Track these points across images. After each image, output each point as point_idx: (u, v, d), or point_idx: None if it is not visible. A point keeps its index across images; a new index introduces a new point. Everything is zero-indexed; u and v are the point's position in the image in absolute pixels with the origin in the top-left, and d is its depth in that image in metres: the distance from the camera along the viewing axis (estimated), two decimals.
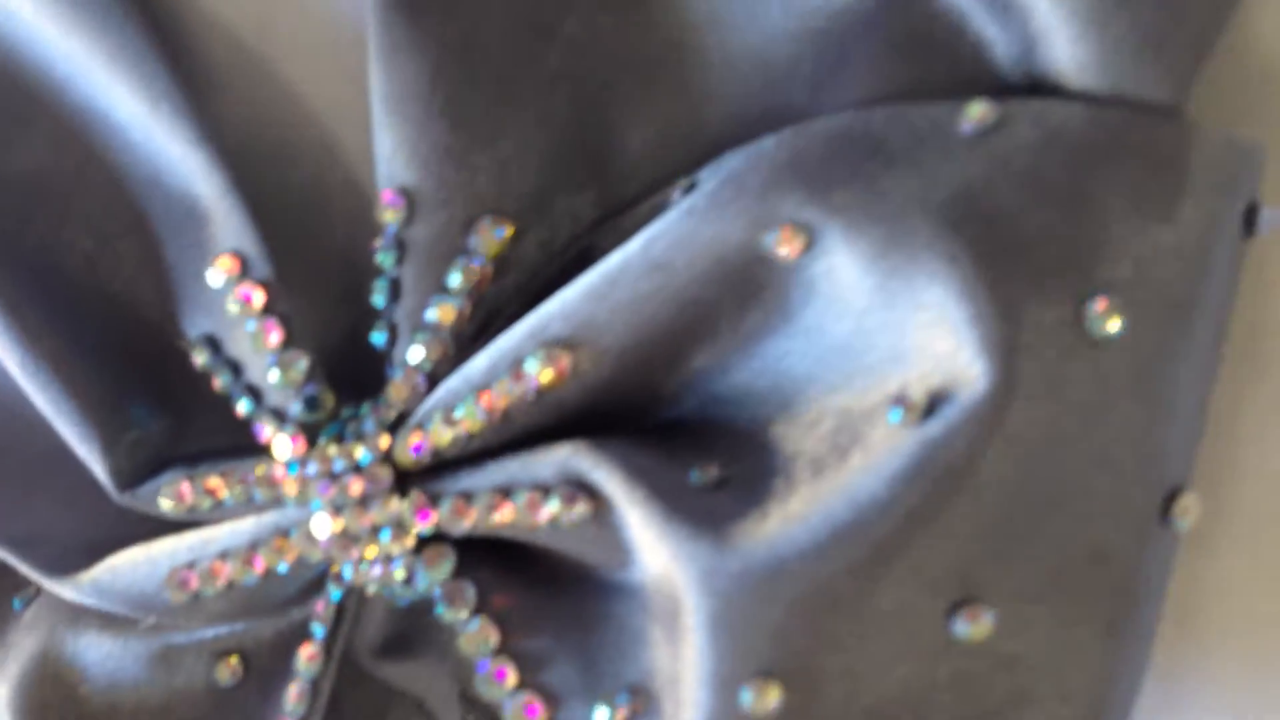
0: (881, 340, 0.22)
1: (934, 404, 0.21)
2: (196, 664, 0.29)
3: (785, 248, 0.22)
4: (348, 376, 0.28)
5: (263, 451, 0.27)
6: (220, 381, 0.28)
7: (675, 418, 0.25)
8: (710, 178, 0.24)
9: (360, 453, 0.26)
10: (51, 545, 0.30)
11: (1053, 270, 0.21)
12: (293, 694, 0.27)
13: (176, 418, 0.29)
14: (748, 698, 0.22)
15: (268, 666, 0.29)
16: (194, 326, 0.28)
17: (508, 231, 0.25)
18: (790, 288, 0.23)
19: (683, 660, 0.23)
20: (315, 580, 0.28)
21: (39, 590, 0.31)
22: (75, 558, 0.29)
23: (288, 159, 0.29)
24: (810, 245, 0.22)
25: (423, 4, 0.25)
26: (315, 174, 0.29)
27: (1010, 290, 0.21)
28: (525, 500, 0.24)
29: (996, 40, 0.23)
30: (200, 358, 0.28)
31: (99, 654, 0.29)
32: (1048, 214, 0.21)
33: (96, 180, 0.29)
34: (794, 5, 0.25)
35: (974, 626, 0.21)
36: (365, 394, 0.27)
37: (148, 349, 0.29)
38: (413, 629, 0.29)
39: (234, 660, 0.29)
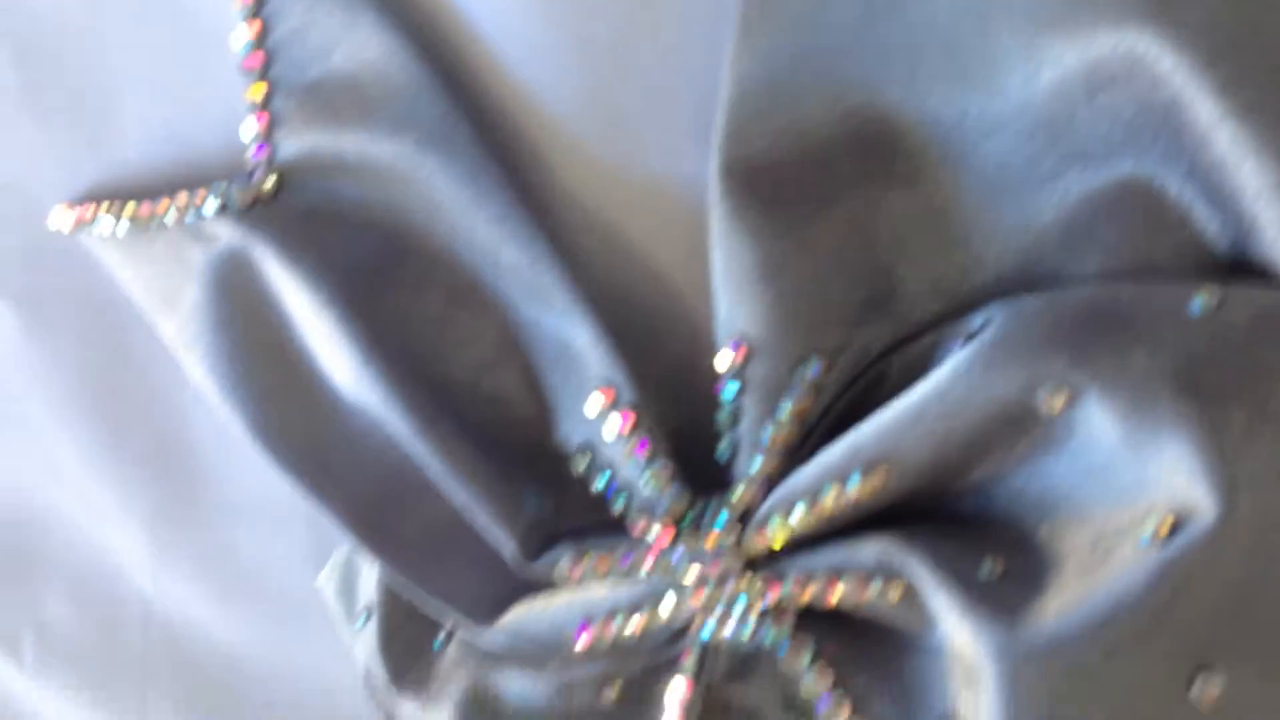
0: (1128, 474, 0.29)
1: (1174, 529, 0.28)
2: (586, 691, 0.38)
3: (1052, 403, 0.29)
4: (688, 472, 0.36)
5: (630, 533, 0.36)
6: (597, 484, 0.36)
7: (961, 508, 0.32)
8: (985, 327, 0.31)
9: (718, 542, 0.34)
10: (463, 598, 0.39)
11: (1261, 422, 0.27)
12: (672, 715, 0.36)
13: (559, 499, 0.38)
14: None
15: (640, 690, 0.38)
16: (569, 435, 0.37)
17: (824, 367, 0.33)
18: (1054, 429, 0.30)
19: (981, 707, 0.30)
20: (678, 631, 0.36)
21: (449, 634, 0.40)
22: (483, 607, 0.39)
23: (631, 306, 0.37)
24: (1071, 402, 0.29)
25: (755, 194, 0.32)
26: (653, 314, 0.37)
27: (1231, 440, 0.27)
28: (853, 583, 0.32)
29: (1216, 228, 0.29)
30: (580, 465, 0.36)
31: (516, 685, 0.38)
32: (1259, 383, 0.27)
33: (488, 322, 0.38)
34: (1056, 187, 0.31)
35: (1206, 689, 0.28)
36: (703, 484, 0.35)
37: (528, 448, 0.38)
38: (748, 660, 0.38)
39: (616, 687, 0.38)
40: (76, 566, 0.54)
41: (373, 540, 0.40)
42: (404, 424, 0.37)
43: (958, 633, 0.30)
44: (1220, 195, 0.29)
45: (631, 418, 0.35)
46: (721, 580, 0.34)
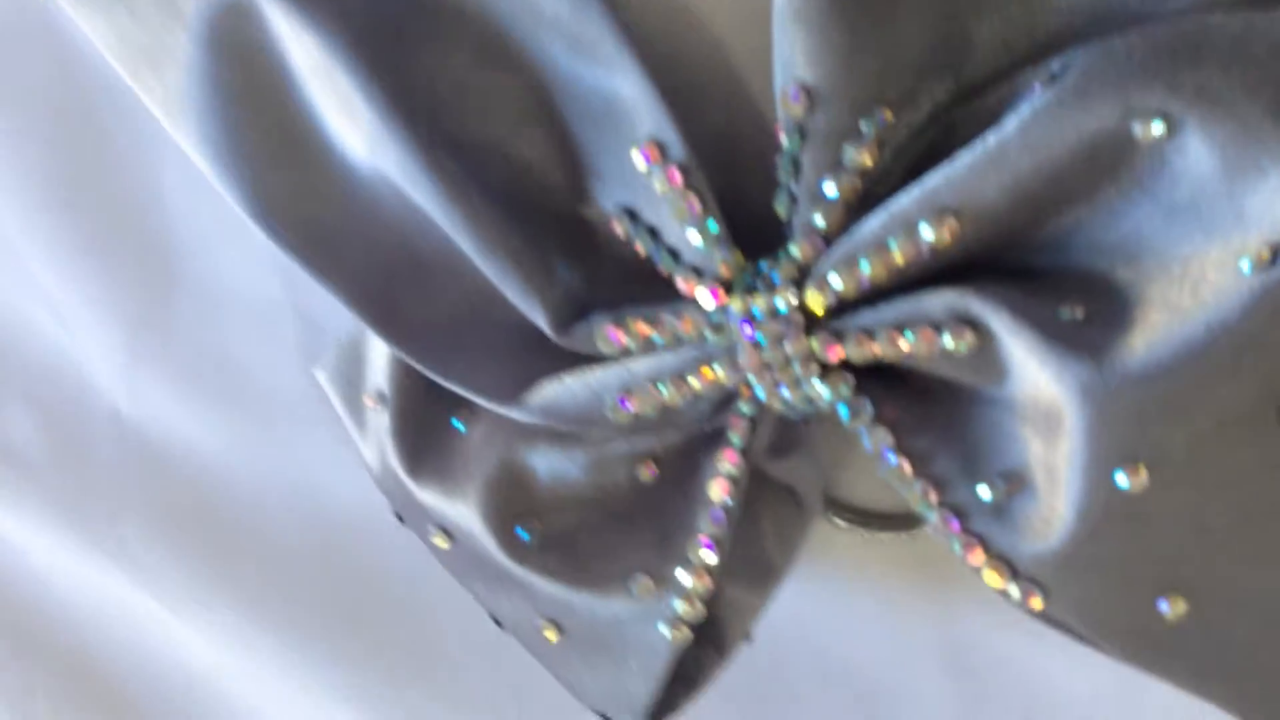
0: (1221, 207, 0.28)
1: (1275, 256, 0.27)
2: (620, 467, 0.37)
3: (1150, 133, 0.28)
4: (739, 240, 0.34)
5: (676, 300, 0.34)
6: (642, 245, 0.34)
7: (1032, 265, 0.31)
8: (1070, 70, 0.30)
9: (778, 301, 0.33)
10: (486, 380, 0.37)
11: None
12: (719, 488, 0.35)
13: (590, 271, 0.36)
14: (1122, 478, 0.29)
15: (678, 468, 0.37)
16: (607, 199, 0.35)
17: (889, 117, 0.32)
18: (1145, 163, 0.29)
19: (1059, 453, 0.30)
20: (722, 401, 0.35)
21: (475, 414, 0.39)
22: (509, 386, 0.37)
23: (681, 66, 0.35)
24: (1170, 131, 0.28)
25: None
26: (705, 76, 0.35)
27: None
28: (920, 334, 0.31)
29: None
30: (621, 226, 0.35)
31: (545, 461, 0.37)
32: None
33: (520, 82, 0.35)
34: None
35: None
36: (754, 254, 0.34)
37: (557, 215, 0.36)
38: (792, 434, 0.37)
39: (651, 463, 0.37)
40: (43, 381, 0.52)
41: (386, 322, 0.38)
42: (426, 188, 0.35)
43: (1038, 377, 0.30)
44: None
45: (681, 174, 0.33)
46: (777, 340, 0.33)
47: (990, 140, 0.30)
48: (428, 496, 0.39)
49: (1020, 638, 0.40)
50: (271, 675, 0.51)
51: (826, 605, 0.42)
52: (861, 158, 0.32)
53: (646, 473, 0.37)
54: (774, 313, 0.33)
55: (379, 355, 0.40)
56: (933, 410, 0.33)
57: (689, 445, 0.36)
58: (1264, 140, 0.27)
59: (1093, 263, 0.30)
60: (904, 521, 0.39)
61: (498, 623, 0.41)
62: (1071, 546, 0.30)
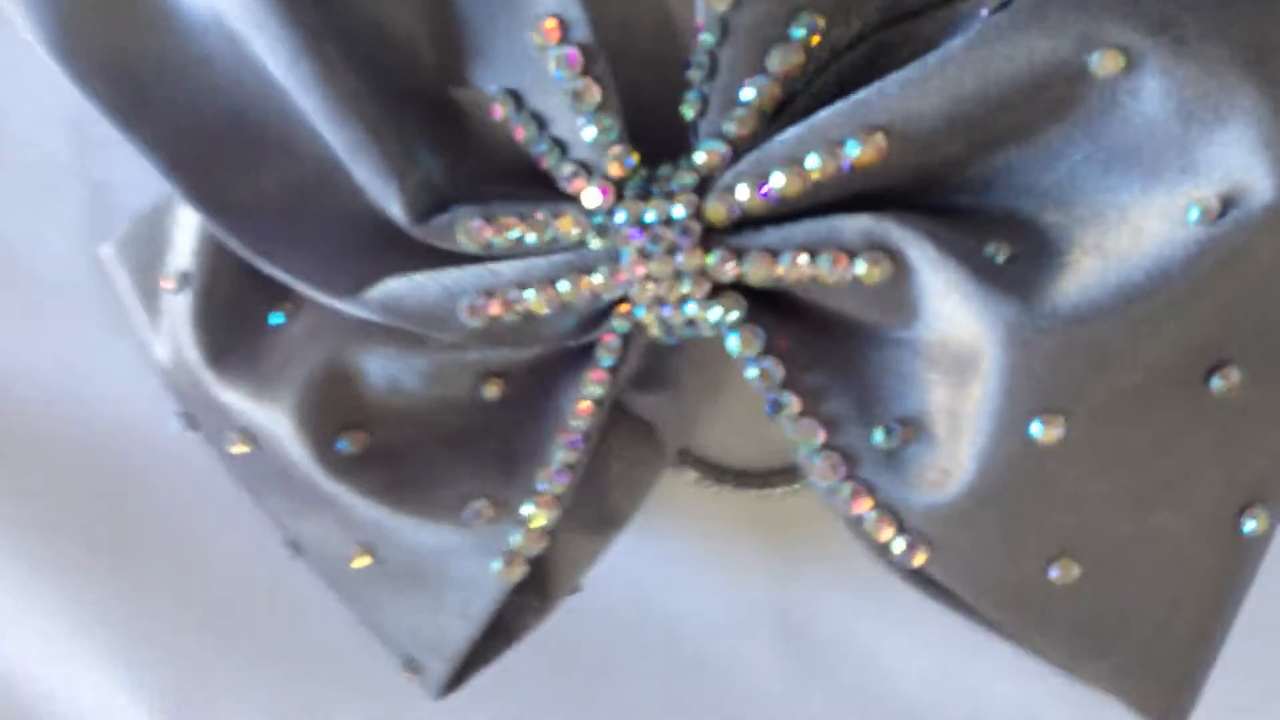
0: (1170, 154, 0.26)
1: (1225, 207, 0.26)
2: (463, 380, 0.33)
3: (1106, 66, 0.26)
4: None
5: (554, 199, 0.31)
6: (525, 133, 0.31)
7: (954, 204, 0.29)
8: None
9: (675, 208, 0.29)
10: (321, 270, 0.33)
11: None
12: (580, 411, 0.31)
13: (454, 161, 0.32)
14: (1036, 427, 0.27)
15: (529, 388, 0.33)
16: (485, 80, 0.31)
17: (820, 24, 0.29)
18: (1095, 102, 0.27)
19: (968, 398, 0.28)
20: (593, 317, 0.31)
21: (299, 306, 0.34)
22: (345, 280, 0.33)
23: None
24: (1128, 67, 0.26)
25: None
26: None
27: None
28: (830, 259, 0.29)
29: None
30: (503, 108, 0.31)
31: (380, 364, 0.33)
32: None
33: None
34: None
35: (1226, 382, 0.27)
36: (647, 160, 0.31)
37: (423, 93, 0.32)
38: (662, 365, 0.34)
39: (498, 380, 0.33)
40: None
41: (202, 192, 0.33)
42: (275, 35, 0.30)
43: (956, 315, 0.27)
44: None
45: (583, 57, 0.30)
46: (669, 251, 0.30)
47: (932, 58, 0.27)
48: (231, 395, 0.34)
49: (859, 613, 0.38)
50: (12, 602, 0.44)
51: (658, 561, 0.39)
52: (787, 63, 0.29)
53: (493, 389, 0.33)
54: (668, 220, 0.30)
55: (186, 231, 0.35)
56: (828, 346, 0.30)
57: (542, 363, 0.33)
58: (1227, 85, 0.26)
59: (1020, 204, 0.28)
60: (757, 479, 0.37)
61: (294, 548, 0.36)
62: (968, 500, 0.28)
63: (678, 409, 0.34)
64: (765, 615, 0.39)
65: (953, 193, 0.29)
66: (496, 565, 0.32)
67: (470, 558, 0.33)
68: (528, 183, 0.32)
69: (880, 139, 0.28)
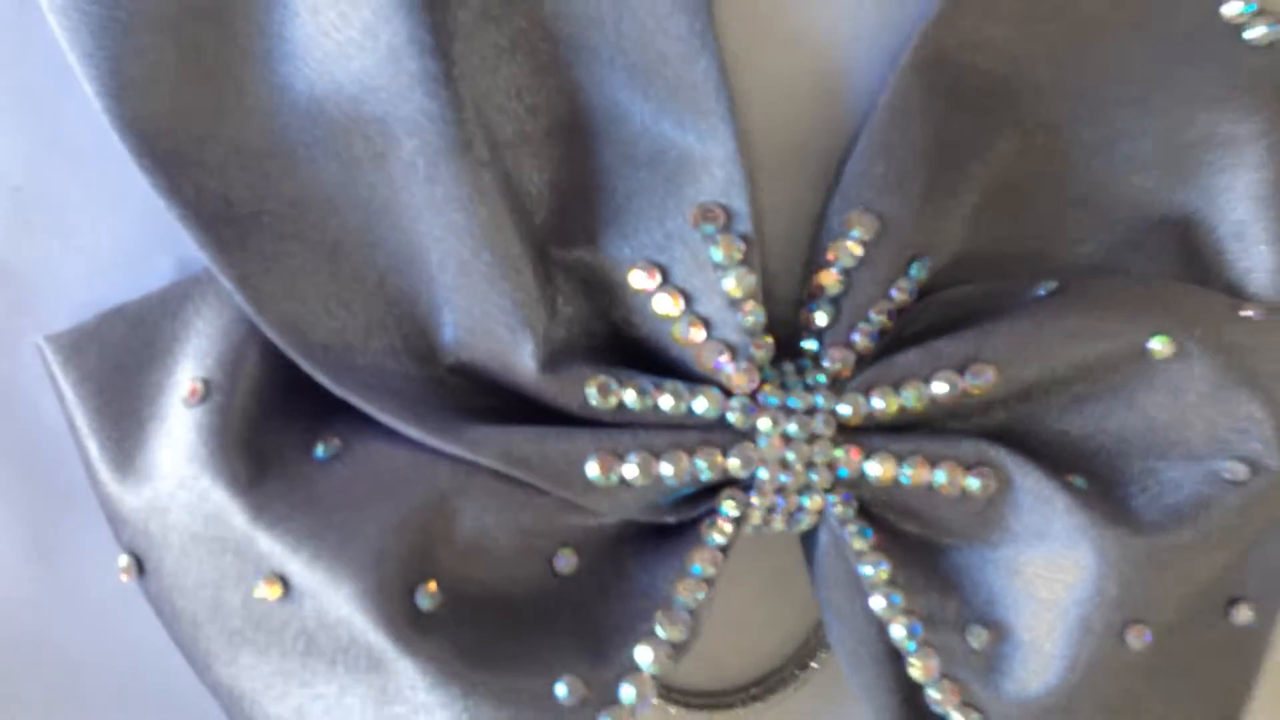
0: (1199, 428, 0.33)
1: (1250, 473, 0.33)
2: (543, 543, 0.31)
3: (1161, 351, 0.33)
4: None
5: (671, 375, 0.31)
6: (672, 303, 0.31)
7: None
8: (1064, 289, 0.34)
9: (818, 399, 0.31)
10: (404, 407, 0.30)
11: None
12: (687, 587, 0.31)
13: (579, 320, 0.32)
14: (1130, 636, 0.31)
15: (599, 560, 0.32)
16: (630, 250, 0.32)
17: (930, 268, 0.34)
18: (1137, 377, 0.34)
19: (1059, 608, 0.32)
20: (703, 492, 0.32)
21: (346, 444, 0.30)
22: (431, 421, 0.30)
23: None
24: (1178, 354, 0.33)
25: (932, 80, 0.33)
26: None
27: None
28: (947, 471, 0.32)
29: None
30: (644, 281, 0.31)
31: (473, 514, 0.30)
32: None
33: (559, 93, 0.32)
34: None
35: (1240, 615, 0.33)
36: None
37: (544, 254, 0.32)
38: None
39: (569, 552, 0.31)
40: None
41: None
42: (442, 156, 0.29)
43: (1052, 528, 0.32)
44: None
45: (744, 247, 0.32)
46: (809, 440, 0.31)
47: (1028, 316, 0.33)
48: (266, 533, 0.29)
49: None
50: None
51: None
52: (903, 295, 0.33)
53: (569, 559, 0.31)
54: (811, 409, 0.32)
55: (205, 335, 0.30)
56: (918, 553, 0.33)
57: (616, 535, 0.32)
58: (1245, 380, 0.34)
59: (1087, 445, 0.34)
60: (703, 699, 0.37)
61: None
62: (1053, 697, 0.31)
63: None
64: None
65: (1033, 426, 0.34)
66: None
67: None
68: (637, 352, 0.32)
69: (994, 370, 0.32)
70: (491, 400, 0.31)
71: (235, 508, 0.29)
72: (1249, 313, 0.34)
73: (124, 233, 0.33)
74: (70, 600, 0.34)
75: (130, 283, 0.32)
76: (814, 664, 0.37)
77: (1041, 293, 0.34)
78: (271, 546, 0.29)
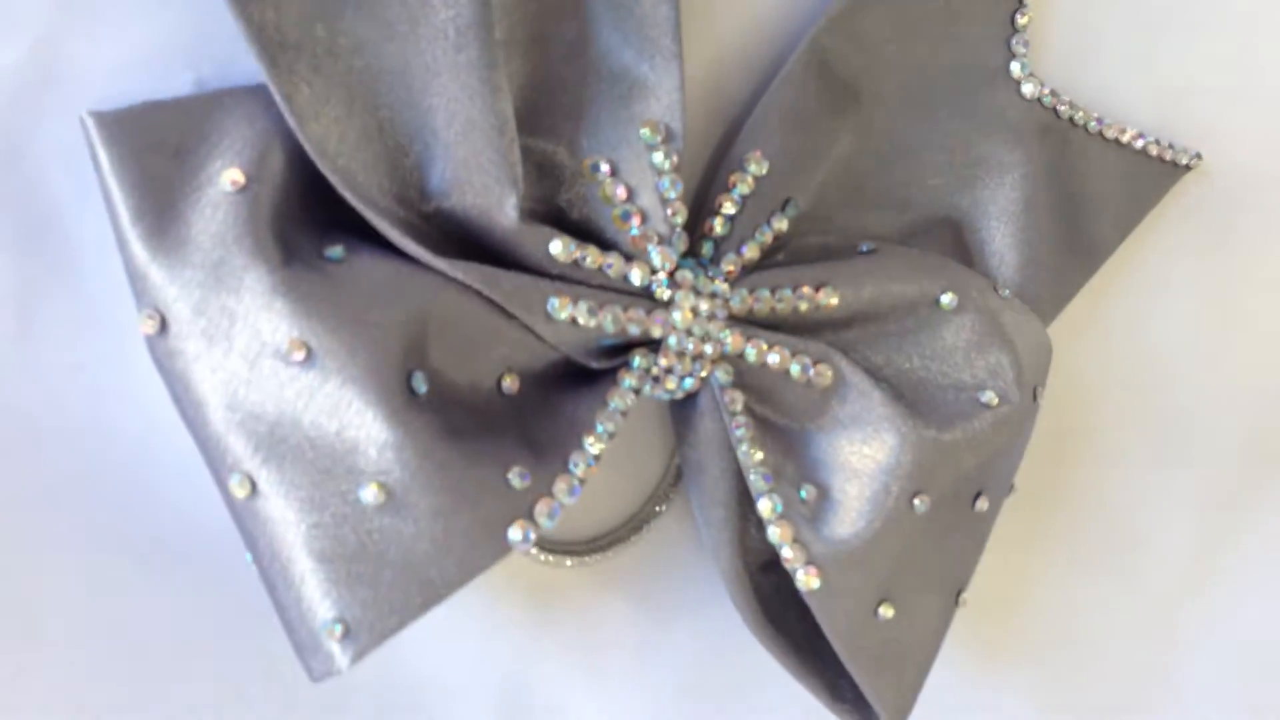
0: (965, 366, 0.44)
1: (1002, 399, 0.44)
2: (494, 367, 0.37)
3: (948, 305, 0.44)
4: None
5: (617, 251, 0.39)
6: (621, 192, 0.39)
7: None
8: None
9: (716, 287, 0.40)
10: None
11: None
12: (607, 416, 0.38)
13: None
14: (917, 504, 0.41)
15: (534, 388, 0.38)
16: (580, 144, 0.39)
17: (798, 208, 0.43)
18: (929, 321, 0.44)
19: (868, 475, 0.41)
20: (619, 348, 0.39)
21: (351, 251, 0.36)
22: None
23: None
24: (958, 309, 0.44)
25: (835, 77, 0.43)
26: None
27: None
28: (799, 361, 0.41)
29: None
30: (602, 170, 0.39)
31: (454, 322, 0.36)
32: None
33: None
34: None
35: (980, 504, 0.44)
36: None
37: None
38: None
39: (512, 378, 0.38)
40: None
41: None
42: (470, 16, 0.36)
43: (873, 415, 0.41)
44: None
45: (677, 160, 0.40)
46: (711, 316, 0.40)
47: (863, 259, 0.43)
48: (294, 307, 0.34)
49: (584, 693, 0.45)
50: None
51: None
52: (779, 224, 0.42)
53: (511, 382, 0.38)
54: (712, 294, 0.40)
55: (243, 135, 0.35)
56: (769, 425, 0.41)
57: (552, 369, 0.39)
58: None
59: (882, 371, 0.43)
60: (559, 548, 0.43)
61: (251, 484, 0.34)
62: (858, 540, 0.41)
63: None
64: (493, 684, 0.44)
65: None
66: (514, 533, 0.36)
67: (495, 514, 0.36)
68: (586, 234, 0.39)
69: (837, 296, 0.42)
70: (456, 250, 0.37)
71: (268, 285, 0.33)
72: (1002, 292, 0.46)
73: (153, 39, 0.37)
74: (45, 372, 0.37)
75: (149, 89, 0.36)
76: (647, 527, 0.44)
77: (864, 249, 0.44)
78: (295, 317, 0.34)
